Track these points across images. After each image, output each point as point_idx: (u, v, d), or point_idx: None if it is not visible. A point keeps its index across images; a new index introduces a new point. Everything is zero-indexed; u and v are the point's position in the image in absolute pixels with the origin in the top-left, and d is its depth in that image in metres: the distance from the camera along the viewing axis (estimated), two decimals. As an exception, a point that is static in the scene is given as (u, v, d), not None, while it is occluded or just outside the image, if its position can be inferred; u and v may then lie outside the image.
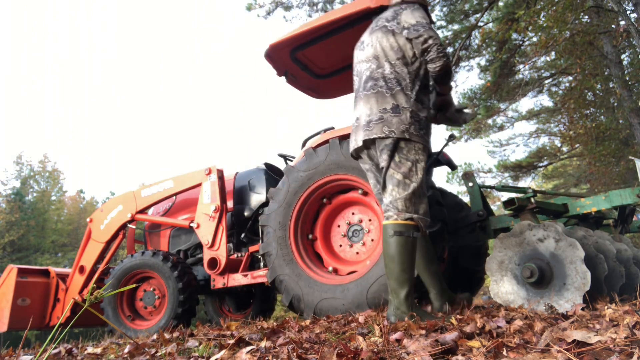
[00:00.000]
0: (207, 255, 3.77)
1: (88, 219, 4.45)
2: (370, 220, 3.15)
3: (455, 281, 3.41)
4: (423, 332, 1.60)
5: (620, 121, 10.20)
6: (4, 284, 4.12)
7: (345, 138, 3.17)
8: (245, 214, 4.21)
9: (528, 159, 15.80)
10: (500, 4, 10.31)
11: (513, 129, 30.68)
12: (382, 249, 2.18)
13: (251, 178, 4.30)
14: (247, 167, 4.49)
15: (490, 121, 15.33)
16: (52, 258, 22.93)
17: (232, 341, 1.64)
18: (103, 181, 52.79)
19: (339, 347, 1.34)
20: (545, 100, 18.27)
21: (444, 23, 11.08)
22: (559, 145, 15.42)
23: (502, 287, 2.38)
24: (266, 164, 4.47)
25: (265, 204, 3.96)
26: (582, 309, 1.99)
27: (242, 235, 4.14)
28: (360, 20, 3.36)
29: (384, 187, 2.27)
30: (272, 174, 4.34)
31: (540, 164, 16.10)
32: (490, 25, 10.39)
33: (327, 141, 3.23)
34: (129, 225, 4.29)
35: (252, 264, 3.91)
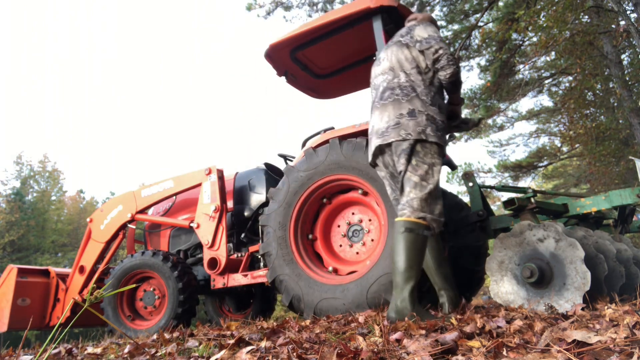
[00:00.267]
0: (207, 255, 3.77)
1: (88, 219, 4.45)
2: (370, 220, 3.15)
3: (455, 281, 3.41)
4: (423, 332, 1.60)
5: (620, 121, 10.20)
6: (4, 284, 4.12)
7: (345, 138, 3.17)
8: (245, 214, 4.21)
9: (528, 159, 15.80)
10: (500, 4, 10.31)
11: (513, 129, 30.69)
12: (393, 252, 2.20)
13: (251, 178, 4.30)
14: (247, 167, 4.49)
15: (490, 121, 15.34)
16: (52, 258, 22.93)
17: (232, 341, 1.64)
18: (103, 181, 52.83)
19: (339, 347, 1.34)
20: (545, 100, 18.29)
21: (444, 23, 11.07)
22: (559, 145, 15.42)
23: (502, 287, 2.38)
24: (266, 164, 4.47)
25: (265, 204, 3.96)
26: (582, 309, 1.99)
27: (242, 235, 4.14)
28: (360, 20, 3.36)
29: (402, 191, 2.34)
30: (272, 174, 4.34)
31: (540, 164, 16.10)
32: (490, 25, 10.39)
33: (327, 141, 3.23)
34: (129, 225, 4.29)
35: (252, 264, 3.90)
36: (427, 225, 2.20)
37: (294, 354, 1.36)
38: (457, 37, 10.86)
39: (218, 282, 3.73)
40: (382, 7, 3.20)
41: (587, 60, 9.01)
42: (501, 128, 16.15)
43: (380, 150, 2.42)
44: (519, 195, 2.79)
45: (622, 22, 7.84)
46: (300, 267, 3.05)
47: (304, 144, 3.92)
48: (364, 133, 3.20)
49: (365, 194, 3.14)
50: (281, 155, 4.43)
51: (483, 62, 11.83)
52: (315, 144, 3.32)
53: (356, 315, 2.38)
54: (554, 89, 13.76)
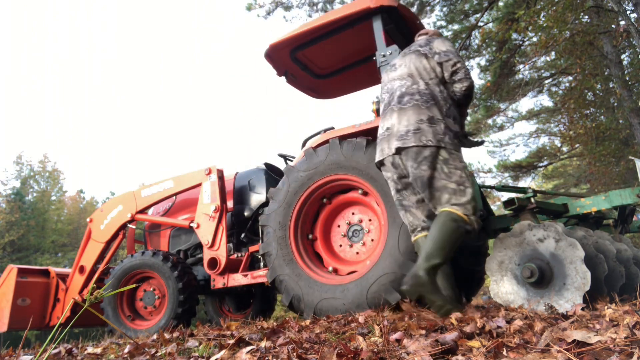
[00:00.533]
0: (207, 255, 3.77)
1: (88, 219, 4.45)
2: (370, 220, 3.15)
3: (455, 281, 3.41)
4: (423, 332, 1.60)
5: (620, 121, 10.20)
6: (4, 284, 4.11)
7: (345, 138, 3.17)
8: (245, 214, 4.21)
9: (528, 159, 15.80)
10: (500, 4, 10.31)
11: (513, 129, 30.73)
12: (432, 230, 2.29)
13: (251, 178, 4.30)
14: (247, 167, 4.49)
15: (490, 121, 15.35)
16: (52, 258, 22.93)
17: (232, 341, 1.64)
18: (103, 181, 52.82)
19: (339, 347, 1.34)
20: (545, 100, 18.28)
21: (444, 23, 11.08)
22: (559, 145, 15.42)
23: (502, 287, 2.38)
24: (266, 164, 4.47)
25: (265, 204, 3.96)
26: (582, 309, 1.99)
27: (242, 235, 4.14)
28: (360, 20, 3.36)
29: (430, 197, 2.41)
30: (272, 174, 4.34)
31: (540, 164, 16.10)
32: (490, 25, 10.39)
33: (327, 141, 3.23)
34: (129, 225, 4.29)
35: (252, 264, 3.90)
36: (470, 224, 2.32)
37: (294, 354, 1.36)
38: (457, 37, 10.86)
39: (218, 282, 3.73)
40: (382, 7, 3.20)
41: (587, 60, 9.01)
42: (501, 128, 16.16)
43: (397, 151, 2.47)
44: (519, 195, 2.79)
45: (622, 22, 7.84)
46: (300, 267, 3.04)
47: (304, 144, 3.92)
48: (364, 133, 3.19)
49: (365, 194, 3.14)
50: (281, 155, 4.43)
51: (483, 62, 11.84)
52: (315, 144, 3.32)
53: (356, 315, 2.38)
54: (554, 89, 13.76)
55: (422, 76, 2.53)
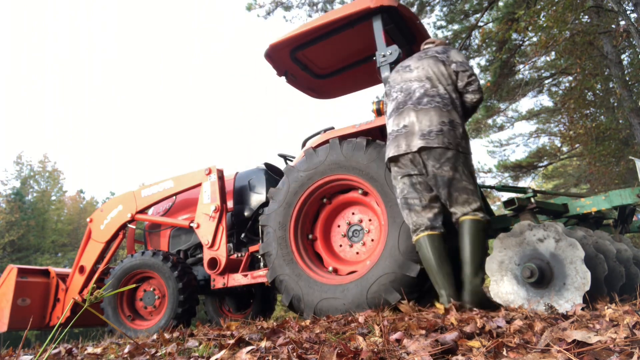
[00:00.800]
0: (207, 255, 3.77)
1: (88, 219, 4.45)
2: (370, 220, 3.15)
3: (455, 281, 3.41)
4: (423, 332, 1.60)
5: (620, 121, 10.20)
6: (4, 284, 4.12)
7: (345, 138, 3.17)
8: (245, 214, 4.21)
9: (528, 159, 15.80)
10: (500, 4, 10.31)
11: (513, 129, 30.71)
12: (468, 243, 2.46)
13: (251, 178, 4.30)
14: (247, 167, 4.49)
15: (490, 121, 15.35)
16: (52, 258, 22.93)
17: (232, 341, 1.64)
18: (103, 181, 52.81)
19: (339, 347, 1.34)
20: (545, 100, 18.28)
21: (444, 23, 11.08)
22: (559, 145, 15.42)
23: (502, 287, 2.38)
24: (266, 164, 4.47)
25: (265, 204, 3.96)
26: (582, 309, 1.99)
27: (242, 235, 4.14)
28: (360, 20, 3.37)
29: (448, 196, 2.55)
30: (272, 174, 4.34)
31: (540, 164, 16.10)
32: (490, 25, 10.39)
33: (327, 141, 3.23)
34: (129, 225, 4.29)
35: (252, 264, 3.90)
36: (489, 224, 2.56)
37: (294, 354, 1.36)
38: (457, 37, 10.86)
39: (218, 282, 3.73)
40: (382, 7, 3.20)
41: (587, 60, 9.01)
42: (501, 128, 16.16)
43: (419, 150, 2.53)
44: (519, 195, 2.79)
45: (622, 22, 7.84)
46: (300, 267, 3.04)
47: (304, 144, 3.92)
48: (364, 133, 3.19)
49: (365, 194, 3.14)
50: (281, 155, 4.43)
51: (483, 62, 11.83)
52: (315, 144, 3.32)
53: (356, 315, 2.38)
54: (554, 89, 13.76)
55: (440, 81, 2.65)
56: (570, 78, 10.96)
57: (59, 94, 64.75)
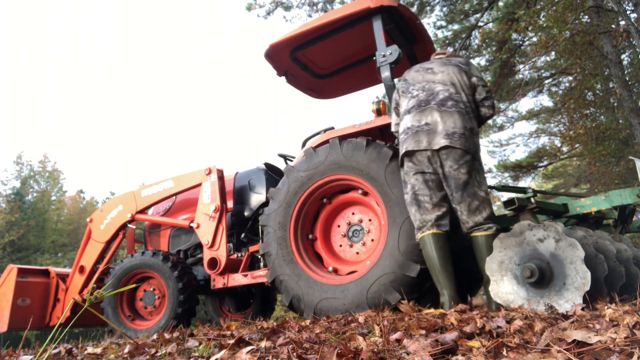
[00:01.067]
0: (207, 255, 3.77)
1: (88, 219, 4.45)
2: (370, 220, 3.15)
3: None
4: (423, 332, 1.60)
5: (620, 121, 10.20)
6: (4, 284, 4.12)
7: (345, 138, 3.17)
8: (245, 214, 4.21)
9: (528, 159, 15.81)
10: (500, 4, 10.31)
11: (513, 129, 30.71)
12: (488, 248, 2.50)
13: (251, 178, 4.30)
14: (247, 167, 4.49)
15: (490, 121, 15.34)
16: (52, 258, 22.93)
17: (232, 341, 1.64)
18: (103, 181, 52.79)
19: (339, 347, 1.34)
20: (545, 100, 18.29)
21: (444, 23, 11.08)
22: (559, 145, 15.43)
23: (502, 287, 2.38)
24: (266, 164, 4.47)
25: (265, 204, 3.96)
26: (582, 309, 1.99)
27: (242, 235, 4.14)
28: (360, 20, 3.36)
29: (460, 200, 2.58)
30: (272, 174, 4.34)
31: (540, 164, 16.11)
32: (490, 25, 10.39)
33: (327, 141, 3.23)
34: (129, 225, 4.29)
35: (252, 264, 3.90)
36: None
37: (294, 354, 1.36)
38: (457, 37, 10.86)
39: (218, 282, 3.73)
40: (382, 7, 3.20)
41: (587, 60, 9.01)
42: (501, 128, 16.18)
43: (440, 148, 2.57)
44: (519, 195, 2.79)
45: (622, 22, 7.84)
46: (300, 267, 3.04)
47: (304, 144, 3.93)
48: (364, 133, 3.19)
49: (365, 194, 3.14)
50: (281, 155, 4.43)
51: (483, 62, 11.83)
52: (315, 144, 3.32)
53: (356, 315, 2.38)
54: (554, 89, 13.77)
55: (463, 89, 2.74)
56: (570, 78, 10.97)
57: (59, 94, 64.79)
